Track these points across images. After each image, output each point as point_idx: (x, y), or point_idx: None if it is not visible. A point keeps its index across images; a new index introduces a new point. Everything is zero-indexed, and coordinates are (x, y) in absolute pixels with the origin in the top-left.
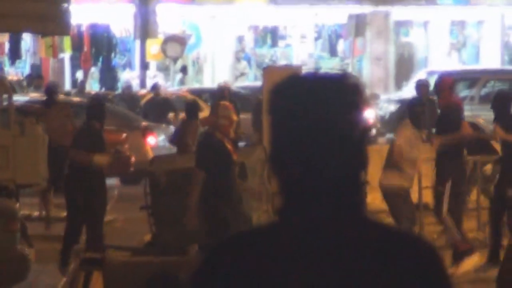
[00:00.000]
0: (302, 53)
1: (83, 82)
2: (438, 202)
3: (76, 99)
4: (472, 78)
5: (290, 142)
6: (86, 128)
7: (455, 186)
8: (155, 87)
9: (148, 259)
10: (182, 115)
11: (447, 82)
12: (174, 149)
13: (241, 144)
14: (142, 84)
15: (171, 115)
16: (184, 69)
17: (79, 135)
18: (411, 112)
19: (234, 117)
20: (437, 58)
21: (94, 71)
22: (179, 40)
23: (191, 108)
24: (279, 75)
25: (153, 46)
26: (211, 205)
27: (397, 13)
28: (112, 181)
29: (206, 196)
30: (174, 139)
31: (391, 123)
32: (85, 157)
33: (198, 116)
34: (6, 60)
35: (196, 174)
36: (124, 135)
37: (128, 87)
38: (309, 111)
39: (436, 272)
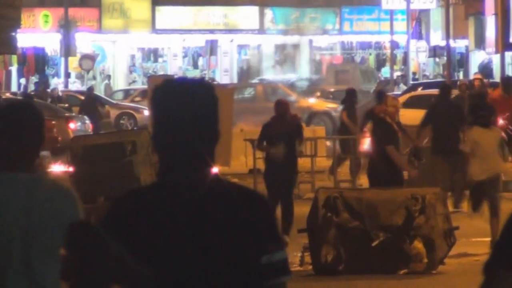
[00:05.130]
0: (174, 66)
1: (26, 86)
2: None
3: (20, 97)
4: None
5: (165, 125)
6: None
7: None
8: (90, 89)
9: None
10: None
11: (287, 105)
12: (88, 131)
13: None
14: (66, 87)
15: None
16: (108, 77)
17: None
18: None
19: (399, 106)
20: (266, 70)
21: (33, 78)
22: (91, 58)
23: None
24: (159, 82)
25: (73, 62)
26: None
27: (239, 39)
28: (45, 153)
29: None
30: None
31: None
32: None
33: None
34: None
35: (390, 148)
36: (53, 122)
37: (45, 87)
38: (178, 104)
39: (267, 214)
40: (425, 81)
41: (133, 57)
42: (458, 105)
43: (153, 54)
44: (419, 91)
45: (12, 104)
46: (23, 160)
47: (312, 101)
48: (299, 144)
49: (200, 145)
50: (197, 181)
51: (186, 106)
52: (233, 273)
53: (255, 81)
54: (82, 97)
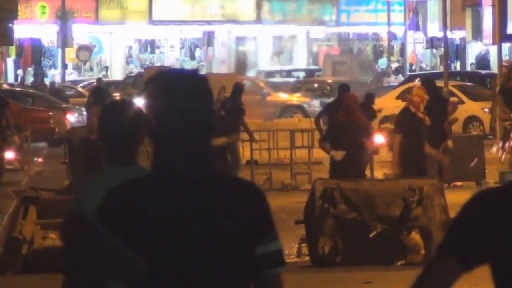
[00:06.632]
0: (171, 58)
1: (23, 78)
2: None
3: (18, 88)
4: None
5: (161, 116)
6: None
7: None
8: (99, 80)
9: (67, 197)
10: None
11: (355, 100)
12: (85, 123)
13: None
14: (63, 78)
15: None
16: (106, 69)
17: None
18: None
19: (426, 96)
20: (263, 61)
21: (30, 69)
22: (88, 49)
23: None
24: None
25: (70, 53)
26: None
27: (236, 30)
28: (42, 144)
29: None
30: None
31: None
32: None
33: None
34: None
35: (395, 136)
36: (50, 113)
37: (42, 78)
38: (173, 95)
39: (262, 205)
40: (422, 72)
41: (130, 48)
42: (442, 99)
43: (150, 46)
44: (416, 82)
45: (116, 102)
46: (127, 154)
47: (284, 95)
48: (368, 139)
49: (196, 136)
50: (193, 172)
51: (181, 98)
52: (228, 264)
53: (252, 72)
54: (80, 89)
